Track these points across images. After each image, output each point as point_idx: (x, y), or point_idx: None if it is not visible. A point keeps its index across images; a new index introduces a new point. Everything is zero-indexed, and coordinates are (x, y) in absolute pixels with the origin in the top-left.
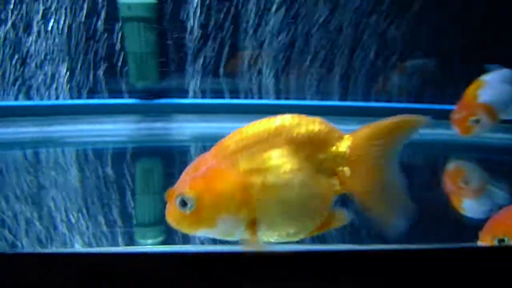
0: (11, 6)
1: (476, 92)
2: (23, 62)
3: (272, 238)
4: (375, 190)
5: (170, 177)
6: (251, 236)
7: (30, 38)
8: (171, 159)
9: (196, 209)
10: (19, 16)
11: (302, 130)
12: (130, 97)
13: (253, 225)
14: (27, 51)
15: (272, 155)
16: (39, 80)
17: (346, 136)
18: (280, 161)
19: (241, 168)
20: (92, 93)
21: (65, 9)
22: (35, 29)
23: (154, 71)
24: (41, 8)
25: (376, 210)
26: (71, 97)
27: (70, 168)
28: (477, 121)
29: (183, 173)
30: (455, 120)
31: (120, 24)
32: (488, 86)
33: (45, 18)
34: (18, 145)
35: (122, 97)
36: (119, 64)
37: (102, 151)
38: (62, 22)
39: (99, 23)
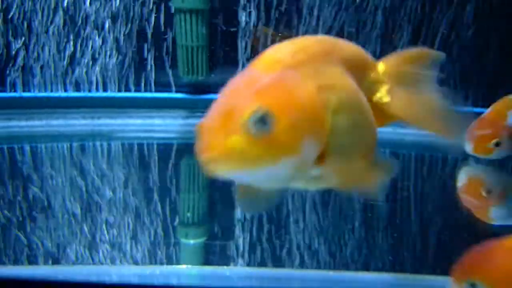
0: None
1: (507, 112)
2: (73, 54)
3: (332, 177)
4: (418, 113)
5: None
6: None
7: (80, 29)
8: None
9: (278, 130)
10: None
11: (352, 50)
12: (177, 91)
13: (321, 155)
14: (77, 43)
15: (336, 72)
16: (89, 72)
17: (380, 63)
18: (347, 80)
19: (315, 83)
20: (140, 86)
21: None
22: (85, 19)
23: (203, 65)
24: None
25: (430, 129)
26: (119, 90)
27: (121, 163)
28: (498, 144)
29: (229, 94)
30: (474, 136)
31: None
32: None
33: (96, 11)
34: (70, 138)
35: (170, 91)
36: (169, 57)
37: (149, 146)
38: (112, 14)
39: (151, 13)
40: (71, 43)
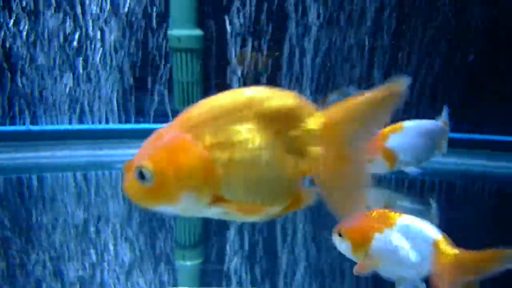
0: (69, 35)
1: (390, 134)
2: (76, 88)
3: (238, 217)
4: (340, 175)
5: None
6: (216, 213)
7: (82, 65)
8: None
9: (156, 184)
10: (73, 42)
11: (273, 103)
12: None
13: (217, 202)
14: (80, 78)
15: (240, 129)
16: (91, 105)
17: (321, 112)
18: (248, 136)
19: (206, 141)
20: (140, 118)
21: (117, 38)
22: (87, 55)
23: (197, 98)
24: (95, 36)
25: (334, 196)
26: (120, 122)
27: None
28: (370, 161)
29: (143, 145)
30: None
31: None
32: (403, 133)
33: (97, 47)
34: (72, 168)
35: (167, 122)
36: (166, 91)
37: None
38: (113, 50)
39: (149, 52)
40: (75, 78)
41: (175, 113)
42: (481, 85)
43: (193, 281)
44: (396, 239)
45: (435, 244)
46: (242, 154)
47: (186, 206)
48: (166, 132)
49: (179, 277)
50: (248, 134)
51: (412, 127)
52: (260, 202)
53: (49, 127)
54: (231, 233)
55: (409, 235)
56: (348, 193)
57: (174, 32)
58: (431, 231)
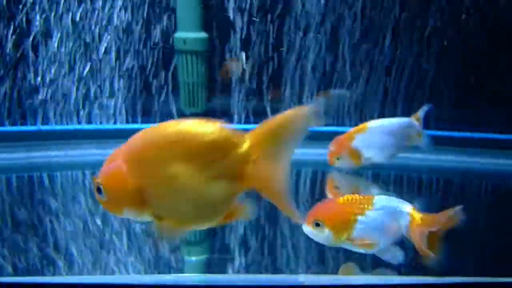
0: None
1: (354, 135)
2: (86, 89)
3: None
4: (275, 185)
5: None
6: (159, 224)
7: (90, 67)
8: None
9: (107, 198)
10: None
11: (199, 139)
12: None
13: (156, 217)
14: (88, 78)
15: (167, 162)
16: (101, 105)
17: (246, 136)
18: (174, 170)
19: (138, 172)
20: (147, 118)
21: (125, 39)
22: (95, 56)
23: (202, 99)
24: (105, 36)
25: (279, 203)
26: (127, 122)
27: None
28: (338, 158)
29: (107, 159)
30: (328, 150)
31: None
32: (367, 132)
33: (105, 46)
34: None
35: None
36: (171, 91)
37: None
38: (121, 51)
39: (155, 54)
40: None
41: (181, 113)
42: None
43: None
44: (379, 217)
45: (410, 214)
46: (168, 184)
47: (133, 217)
48: (116, 155)
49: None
50: (175, 167)
51: (376, 127)
52: (192, 220)
53: (59, 127)
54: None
55: (388, 211)
56: (282, 193)
57: (180, 34)
58: (404, 204)
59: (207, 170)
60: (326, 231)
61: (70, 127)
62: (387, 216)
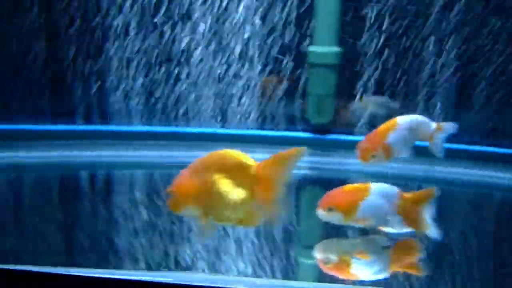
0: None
1: (387, 134)
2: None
3: (216, 223)
4: (271, 195)
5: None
6: (203, 220)
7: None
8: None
9: (174, 198)
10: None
11: (228, 162)
12: (303, 131)
13: (205, 215)
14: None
15: (211, 176)
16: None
17: (256, 164)
18: (215, 179)
19: (196, 181)
20: (271, 125)
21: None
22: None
23: (329, 110)
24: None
25: (270, 209)
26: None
27: None
28: (374, 156)
29: (178, 175)
30: (360, 148)
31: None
32: (398, 129)
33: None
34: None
35: (296, 131)
36: (298, 101)
37: None
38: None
39: (287, 65)
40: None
41: (306, 123)
42: None
43: None
44: (377, 200)
45: (398, 194)
46: (213, 189)
47: (191, 214)
48: (183, 173)
49: None
50: (215, 178)
51: (405, 123)
52: (223, 216)
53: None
54: None
55: (383, 195)
56: (274, 202)
57: (315, 48)
58: (392, 188)
59: (233, 181)
60: (337, 214)
61: (210, 130)
62: (381, 199)
